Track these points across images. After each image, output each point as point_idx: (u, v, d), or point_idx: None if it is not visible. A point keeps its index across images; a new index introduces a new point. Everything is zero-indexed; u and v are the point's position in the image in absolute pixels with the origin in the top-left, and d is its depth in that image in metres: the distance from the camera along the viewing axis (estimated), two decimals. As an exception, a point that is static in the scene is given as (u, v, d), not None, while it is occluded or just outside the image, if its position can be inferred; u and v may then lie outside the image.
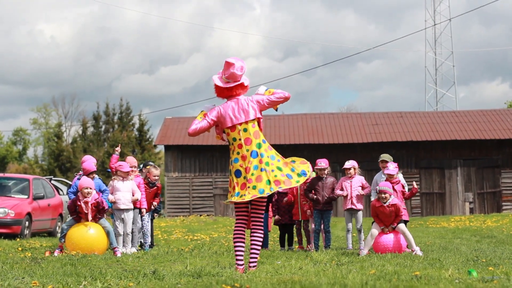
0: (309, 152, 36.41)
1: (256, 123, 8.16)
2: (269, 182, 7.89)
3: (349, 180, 13.01)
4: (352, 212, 13.00)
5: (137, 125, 69.55)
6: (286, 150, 37.41)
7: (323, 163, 12.83)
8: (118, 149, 13.09)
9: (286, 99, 8.26)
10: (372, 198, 13.01)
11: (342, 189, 12.99)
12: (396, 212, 11.36)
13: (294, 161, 8.34)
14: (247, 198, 7.85)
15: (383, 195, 11.33)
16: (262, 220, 8.14)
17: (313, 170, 13.18)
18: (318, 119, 41.46)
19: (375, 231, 11.35)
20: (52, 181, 22.72)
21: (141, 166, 13.91)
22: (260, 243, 8.08)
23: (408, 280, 6.45)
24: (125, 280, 7.05)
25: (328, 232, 12.93)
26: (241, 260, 7.98)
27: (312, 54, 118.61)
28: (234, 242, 8.06)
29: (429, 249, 12.03)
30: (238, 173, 8.01)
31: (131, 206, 12.71)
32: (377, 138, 38.56)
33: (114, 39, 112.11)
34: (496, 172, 38.71)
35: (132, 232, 12.87)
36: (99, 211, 11.75)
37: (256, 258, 8.09)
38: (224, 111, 8.15)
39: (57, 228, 19.80)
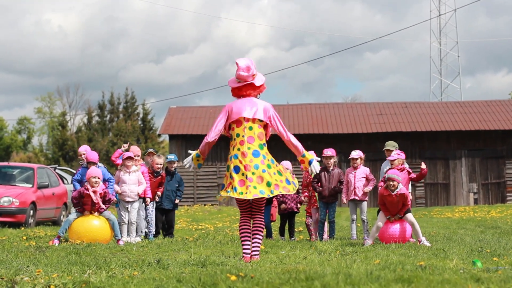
0: (314, 142, 36.38)
1: (263, 126, 8.21)
2: (269, 184, 7.92)
3: (354, 171, 12.98)
4: (357, 202, 12.98)
5: (141, 115, 69.66)
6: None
7: (329, 151, 12.81)
8: (126, 146, 13.12)
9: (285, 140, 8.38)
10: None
11: (348, 182, 12.97)
12: (403, 201, 11.20)
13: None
14: (249, 197, 7.85)
15: (391, 183, 11.13)
16: (263, 210, 8.23)
17: (319, 160, 13.19)
18: (323, 109, 41.41)
19: (380, 223, 11.26)
20: (57, 170, 22.77)
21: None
22: (262, 233, 8.16)
23: (413, 270, 6.44)
24: (129, 269, 7.06)
25: (333, 222, 12.92)
26: (248, 249, 8.08)
27: (319, 44, 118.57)
28: (241, 234, 8.17)
29: (434, 240, 12.02)
30: (236, 169, 7.98)
31: (137, 198, 12.75)
32: (382, 128, 38.50)
33: (122, 28, 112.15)
34: (501, 162, 38.65)
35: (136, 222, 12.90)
36: (104, 202, 11.76)
37: (258, 247, 8.14)
38: (234, 106, 8.20)
39: (62, 217, 19.83)
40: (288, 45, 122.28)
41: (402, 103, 42.18)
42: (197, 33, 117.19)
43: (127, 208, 12.66)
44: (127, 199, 12.62)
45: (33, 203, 18.11)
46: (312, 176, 12.81)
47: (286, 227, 13.66)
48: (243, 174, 7.93)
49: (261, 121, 8.16)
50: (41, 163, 52.72)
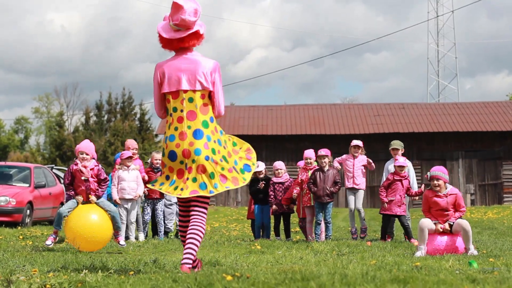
0: (311, 142, 36.34)
1: (207, 94, 6.35)
2: (213, 175, 6.19)
3: (352, 159, 13.08)
4: (354, 191, 13.03)
5: (138, 115, 69.70)
6: (287, 141, 37.41)
7: (323, 151, 12.79)
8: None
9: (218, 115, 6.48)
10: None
11: (346, 168, 13.09)
12: (455, 206, 9.38)
13: (235, 143, 6.65)
14: (184, 194, 6.17)
15: (435, 182, 9.30)
16: (205, 212, 6.40)
17: (315, 160, 13.20)
18: (320, 110, 41.41)
19: (425, 222, 9.31)
20: (54, 170, 22.75)
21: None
22: (199, 237, 6.28)
23: (409, 270, 6.45)
24: (126, 269, 7.05)
25: (329, 222, 12.90)
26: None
27: (320, 45, 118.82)
28: (182, 238, 6.57)
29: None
30: (173, 156, 6.26)
31: (136, 196, 12.72)
32: (379, 129, 38.52)
33: (124, 29, 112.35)
34: (498, 164, 38.69)
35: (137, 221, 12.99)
36: (100, 182, 10.32)
37: (191, 255, 6.22)
38: (168, 70, 6.36)
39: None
40: (290, 45, 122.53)
41: (400, 104, 42.20)
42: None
43: (126, 208, 12.63)
44: (127, 196, 12.58)
45: (30, 202, 18.10)
46: (309, 175, 12.85)
47: (282, 227, 13.65)
48: (181, 162, 6.22)
49: (202, 89, 6.31)
50: (38, 163, 52.67)
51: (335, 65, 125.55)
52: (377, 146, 33.96)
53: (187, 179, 6.17)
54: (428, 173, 9.47)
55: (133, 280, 5.69)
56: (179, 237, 6.60)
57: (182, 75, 6.28)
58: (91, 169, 10.31)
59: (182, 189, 6.17)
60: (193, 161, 6.17)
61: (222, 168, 6.24)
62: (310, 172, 12.92)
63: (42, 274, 6.57)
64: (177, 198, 6.49)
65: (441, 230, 9.30)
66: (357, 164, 13.06)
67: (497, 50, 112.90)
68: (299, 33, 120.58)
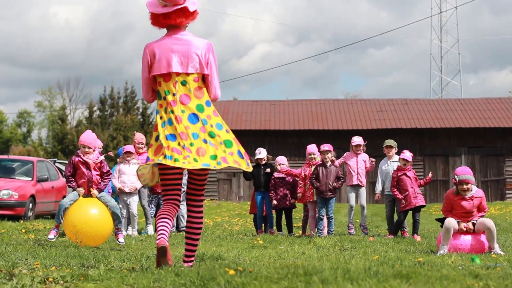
0: (314, 137, 36.36)
1: (201, 77, 5.97)
2: (215, 157, 5.74)
3: (355, 156, 13.16)
4: (357, 188, 13.11)
5: (141, 109, 69.81)
6: (290, 136, 37.40)
7: (326, 146, 12.80)
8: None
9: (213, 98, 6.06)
10: (377, 188, 13.03)
11: (348, 166, 13.14)
12: (479, 208, 8.99)
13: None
14: (187, 166, 5.68)
15: (465, 187, 8.83)
16: (202, 203, 6.16)
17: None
18: (323, 105, 41.38)
19: (451, 222, 8.83)
20: (56, 164, 22.77)
21: None
22: (199, 234, 6.16)
23: (411, 266, 6.45)
24: (128, 263, 7.06)
25: (332, 218, 12.90)
26: (165, 235, 5.89)
27: (324, 40, 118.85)
28: (158, 220, 5.94)
29: (432, 236, 12.02)
30: (171, 137, 5.78)
31: (136, 190, 12.77)
32: (382, 124, 38.50)
33: (128, 23, 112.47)
34: (500, 160, 38.65)
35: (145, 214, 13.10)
36: (103, 175, 10.11)
37: (193, 253, 6.22)
38: (158, 50, 5.93)
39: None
40: (293, 40, 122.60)
41: (402, 99, 42.17)
42: (203, 29, 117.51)
43: (126, 201, 12.66)
44: (126, 189, 12.62)
45: (32, 196, 18.12)
46: (312, 169, 12.84)
47: (284, 222, 13.65)
48: (179, 144, 5.75)
49: (195, 72, 5.93)
50: (41, 157, 52.73)
51: (338, 60, 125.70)
52: (380, 141, 33.82)
53: (188, 156, 5.68)
54: (456, 177, 8.96)
55: (136, 274, 5.69)
56: (156, 220, 6.04)
57: (174, 57, 5.88)
58: (94, 163, 10.07)
59: (184, 163, 5.67)
60: (191, 144, 5.73)
61: (224, 151, 5.78)
62: (313, 167, 12.92)
63: (45, 267, 6.57)
64: (166, 175, 5.95)
65: (465, 229, 8.89)
66: (360, 161, 13.17)
67: (500, 46, 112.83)
68: (303, 28, 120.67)
